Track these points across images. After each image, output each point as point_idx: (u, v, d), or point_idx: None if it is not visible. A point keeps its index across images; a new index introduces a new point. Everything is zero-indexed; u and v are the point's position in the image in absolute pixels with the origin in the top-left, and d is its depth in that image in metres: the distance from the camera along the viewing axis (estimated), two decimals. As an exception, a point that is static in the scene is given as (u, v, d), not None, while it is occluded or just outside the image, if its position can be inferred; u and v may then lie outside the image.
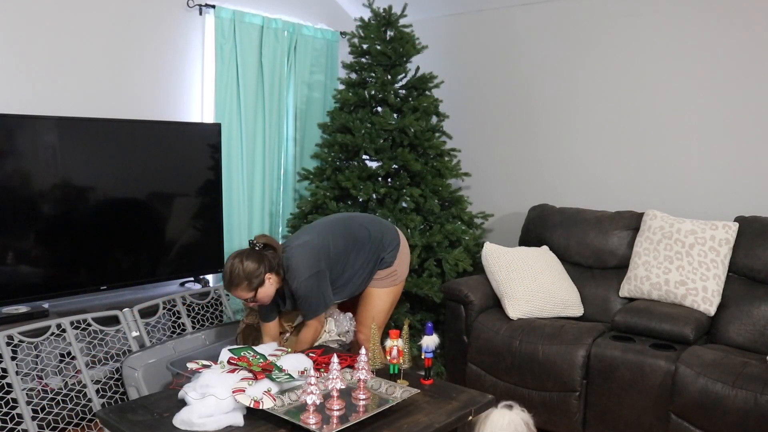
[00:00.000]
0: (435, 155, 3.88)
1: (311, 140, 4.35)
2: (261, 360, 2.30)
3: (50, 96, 3.22)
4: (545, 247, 3.65)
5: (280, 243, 2.73)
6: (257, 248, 2.60)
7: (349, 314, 2.97)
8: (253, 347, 2.44)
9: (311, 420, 1.93)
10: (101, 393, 2.76)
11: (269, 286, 2.59)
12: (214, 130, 3.61)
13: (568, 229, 3.65)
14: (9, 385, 2.54)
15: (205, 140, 3.56)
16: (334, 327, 2.86)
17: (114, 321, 2.89)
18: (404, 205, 3.76)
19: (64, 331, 2.69)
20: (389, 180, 3.84)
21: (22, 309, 2.91)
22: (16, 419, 2.54)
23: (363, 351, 2.18)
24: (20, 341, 2.57)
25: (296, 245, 2.69)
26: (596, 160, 3.95)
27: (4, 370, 2.53)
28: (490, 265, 3.43)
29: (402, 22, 3.93)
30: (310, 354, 2.51)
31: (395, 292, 2.97)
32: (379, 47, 3.85)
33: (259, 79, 4.03)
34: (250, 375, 2.13)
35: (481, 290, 3.40)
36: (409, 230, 3.64)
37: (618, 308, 3.31)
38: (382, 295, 2.91)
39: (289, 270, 2.64)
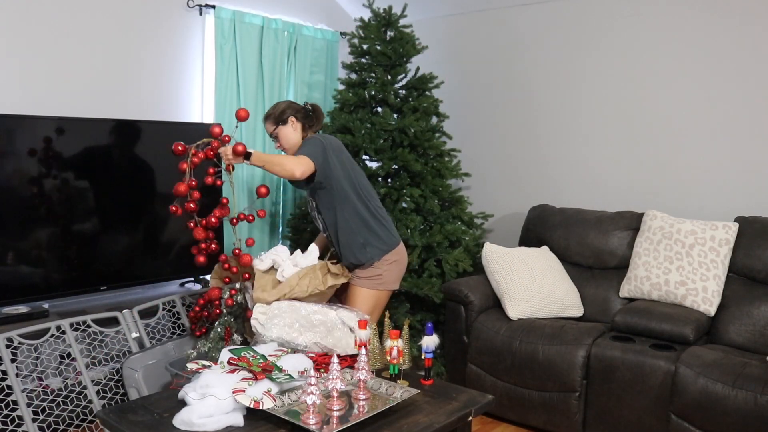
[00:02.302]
0: (435, 155, 3.88)
1: (311, 140, 4.35)
2: (261, 360, 2.30)
3: (50, 96, 3.22)
4: (545, 248, 3.65)
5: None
6: (306, 107, 2.99)
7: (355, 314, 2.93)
8: (253, 347, 2.44)
9: (311, 420, 1.93)
10: (101, 394, 2.76)
11: (291, 130, 2.91)
12: (214, 130, 3.61)
13: (568, 230, 3.65)
14: (9, 387, 2.54)
15: (205, 140, 3.56)
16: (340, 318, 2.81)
17: (114, 322, 2.89)
18: (404, 205, 3.76)
19: (63, 332, 2.68)
20: (389, 180, 3.84)
21: (22, 309, 2.91)
22: (17, 421, 2.54)
23: (363, 351, 2.18)
24: (20, 343, 2.57)
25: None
26: (596, 160, 3.95)
27: (4, 372, 2.53)
28: (490, 266, 3.43)
29: (402, 22, 3.93)
30: (310, 354, 2.51)
31: (377, 297, 2.88)
32: (379, 47, 3.85)
33: (259, 79, 4.03)
34: (250, 375, 2.13)
35: (481, 290, 3.41)
36: (409, 230, 3.64)
37: (618, 308, 3.31)
38: (362, 295, 2.85)
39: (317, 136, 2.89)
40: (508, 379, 3.14)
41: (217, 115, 3.82)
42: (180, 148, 2.58)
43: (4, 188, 2.88)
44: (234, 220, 2.73)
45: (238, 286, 2.67)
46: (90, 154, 3.14)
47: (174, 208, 2.61)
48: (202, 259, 2.67)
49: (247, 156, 2.60)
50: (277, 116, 2.91)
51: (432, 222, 3.80)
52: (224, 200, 2.74)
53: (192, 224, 2.64)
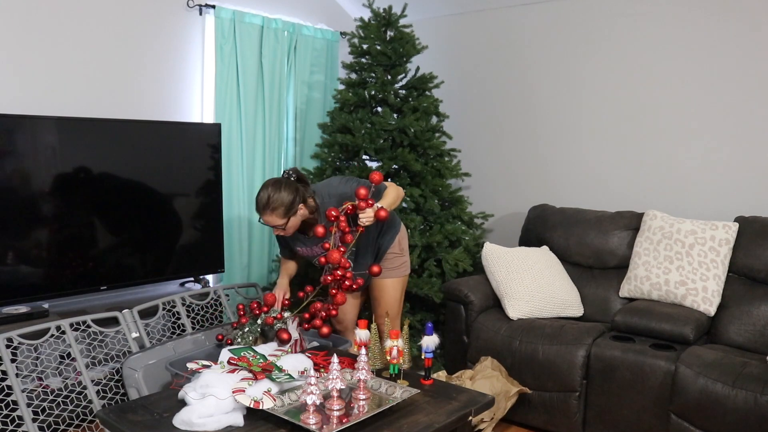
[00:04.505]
0: (435, 155, 3.88)
1: (311, 140, 4.35)
2: (261, 360, 2.30)
3: (50, 96, 3.22)
4: (545, 247, 3.65)
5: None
6: (292, 178, 2.72)
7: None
8: (253, 347, 2.44)
9: (311, 420, 1.93)
10: (101, 394, 2.76)
11: (299, 217, 2.69)
12: (214, 130, 3.61)
13: (568, 229, 3.65)
14: (9, 387, 2.54)
15: (205, 140, 3.56)
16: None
17: (114, 322, 2.89)
18: (404, 205, 3.76)
19: (63, 332, 2.68)
20: (389, 180, 3.84)
21: (22, 309, 2.91)
22: (17, 421, 2.54)
23: (363, 351, 2.18)
24: (20, 343, 2.57)
25: (330, 178, 2.90)
26: (596, 160, 3.95)
27: (4, 372, 2.52)
28: (490, 265, 3.43)
29: (402, 22, 3.93)
30: (309, 354, 2.51)
31: (403, 282, 3.06)
32: (379, 47, 3.85)
33: (259, 79, 4.03)
34: (250, 375, 2.13)
35: (481, 290, 3.41)
36: (409, 230, 3.64)
37: (618, 308, 3.31)
38: (394, 286, 2.99)
39: (331, 189, 2.78)
40: (508, 379, 3.14)
41: (217, 115, 3.82)
42: (334, 213, 2.63)
43: (4, 188, 2.88)
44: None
45: (286, 314, 2.68)
46: (90, 154, 3.13)
47: (329, 278, 2.67)
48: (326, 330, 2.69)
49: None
50: (287, 209, 2.65)
51: (432, 222, 3.80)
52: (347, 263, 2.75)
53: (334, 291, 2.68)
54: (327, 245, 2.68)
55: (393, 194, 2.80)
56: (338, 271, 2.65)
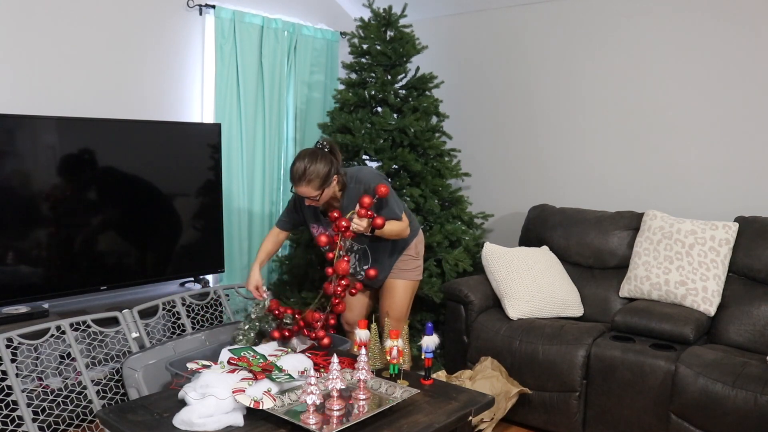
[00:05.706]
0: (435, 155, 3.88)
1: (311, 140, 4.35)
2: (261, 360, 2.30)
3: (50, 96, 3.22)
4: (545, 247, 3.65)
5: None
6: (326, 150, 2.70)
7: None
8: (253, 347, 2.44)
9: (311, 420, 1.93)
10: (101, 394, 2.76)
11: (332, 189, 2.70)
12: (214, 130, 3.61)
13: (568, 229, 3.65)
14: (9, 387, 2.54)
15: (205, 140, 3.56)
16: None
17: (114, 322, 2.89)
18: (404, 205, 3.76)
19: (63, 332, 2.68)
20: (389, 180, 3.84)
21: (22, 309, 2.91)
22: (17, 421, 2.54)
23: (363, 351, 2.18)
24: (20, 343, 2.57)
25: (363, 166, 2.90)
26: (596, 160, 3.95)
27: (4, 372, 2.52)
28: (490, 265, 3.43)
29: (402, 22, 3.92)
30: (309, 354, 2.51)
31: (414, 287, 3.05)
32: (379, 47, 3.85)
33: (259, 79, 4.03)
34: (250, 375, 2.13)
35: (481, 290, 3.41)
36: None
37: (618, 308, 3.31)
38: (405, 287, 2.99)
39: (360, 175, 2.78)
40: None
41: (217, 115, 3.82)
42: (344, 224, 2.63)
43: (4, 188, 2.88)
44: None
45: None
46: (90, 154, 3.14)
47: (331, 287, 2.69)
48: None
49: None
50: (322, 180, 2.64)
51: (432, 222, 3.80)
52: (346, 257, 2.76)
53: (335, 301, 2.71)
54: (331, 255, 2.70)
55: (397, 227, 2.79)
56: (343, 281, 2.66)
